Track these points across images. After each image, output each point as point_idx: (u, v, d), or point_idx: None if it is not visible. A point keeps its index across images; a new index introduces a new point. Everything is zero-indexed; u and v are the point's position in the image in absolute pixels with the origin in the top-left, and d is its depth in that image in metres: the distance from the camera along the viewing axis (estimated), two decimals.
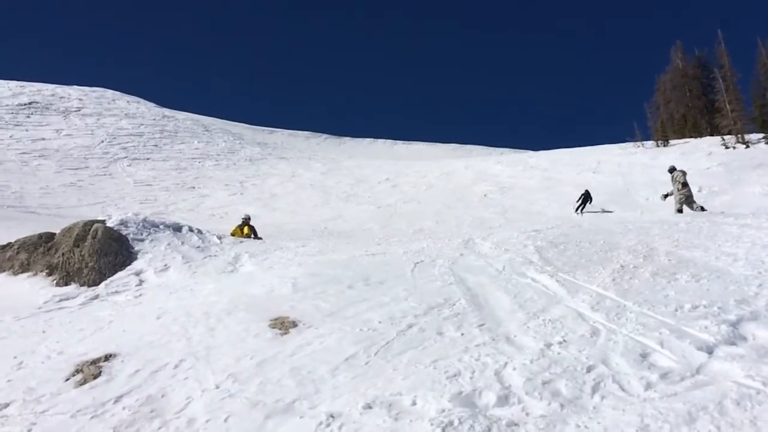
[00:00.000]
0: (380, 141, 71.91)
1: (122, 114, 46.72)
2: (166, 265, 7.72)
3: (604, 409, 3.04)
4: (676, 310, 4.25)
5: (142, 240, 8.32)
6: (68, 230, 8.24)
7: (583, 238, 7.48)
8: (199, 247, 8.51)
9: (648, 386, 3.21)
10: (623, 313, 4.39)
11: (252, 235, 15.48)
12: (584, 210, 18.32)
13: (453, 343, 4.14)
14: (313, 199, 29.52)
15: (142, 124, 44.83)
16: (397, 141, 72.98)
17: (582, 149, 34.11)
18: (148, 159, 37.16)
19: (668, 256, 6.02)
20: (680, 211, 14.25)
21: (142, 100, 54.00)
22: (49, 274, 7.71)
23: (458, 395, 3.32)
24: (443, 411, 3.17)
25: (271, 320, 4.85)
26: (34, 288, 7.38)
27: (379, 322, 4.64)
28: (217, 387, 3.76)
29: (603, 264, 6.03)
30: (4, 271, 8.13)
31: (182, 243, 8.48)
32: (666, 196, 14.88)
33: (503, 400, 3.26)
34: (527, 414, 3.10)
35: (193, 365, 4.11)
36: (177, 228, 8.88)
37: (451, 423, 3.03)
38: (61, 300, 6.84)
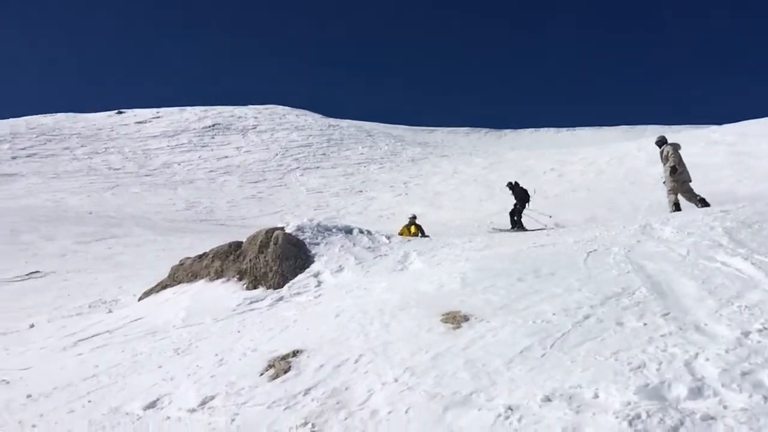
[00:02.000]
0: (542, 130, 69.78)
1: (292, 127, 49.79)
2: (340, 266, 8.11)
3: None
4: None
5: (318, 244, 8.80)
6: (253, 238, 8.94)
7: None
8: (369, 247, 8.84)
9: None
10: None
11: (419, 234, 15.79)
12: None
13: (635, 334, 3.93)
14: (476, 194, 29.41)
15: (311, 135, 47.47)
16: (561, 128, 70.37)
17: None
18: (317, 167, 39.25)
19: None
20: (677, 207, 10.97)
21: (309, 113, 57.19)
22: (240, 279, 8.41)
23: (644, 387, 3.15)
24: (629, 404, 3.03)
25: (443, 315, 4.92)
26: (227, 292, 8.09)
27: (553, 314, 4.53)
28: (396, 380, 3.89)
29: None
30: (202, 277, 9.00)
31: (354, 244, 8.86)
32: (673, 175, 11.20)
33: (696, 392, 3.04)
34: (725, 407, 2.86)
35: (372, 360, 4.29)
36: (348, 231, 9.30)
37: (638, 416, 2.88)
38: (251, 302, 7.45)
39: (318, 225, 9.22)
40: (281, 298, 7.36)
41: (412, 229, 16.53)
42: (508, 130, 69.02)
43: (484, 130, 68.18)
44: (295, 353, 4.66)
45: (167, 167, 38.43)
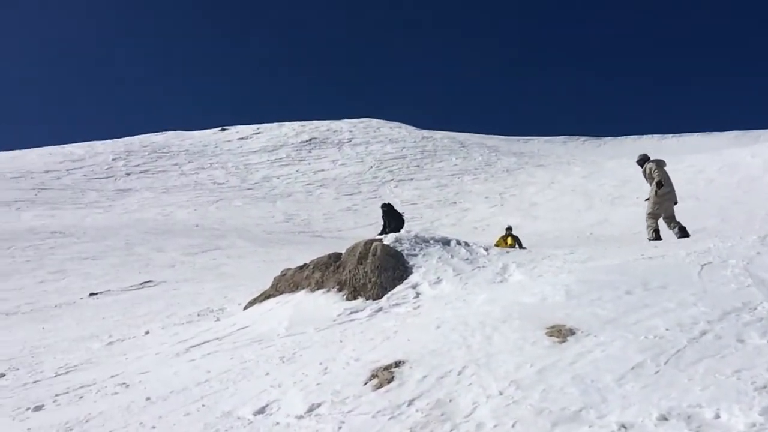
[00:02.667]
0: (646, 137, 66.81)
1: (386, 140, 50.38)
2: (438, 278, 8.10)
3: None
4: None
5: (415, 255, 8.84)
6: (352, 249, 9.10)
7: None
8: (467, 259, 8.78)
9: None
10: None
11: (516, 245, 15.53)
12: None
13: (758, 352, 3.69)
14: (575, 204, 28.62)
15: (404, 147, 47.84)
16: (666, 135, 67.12)
17: None
18: (411, 179, 39.48)
19: None
20: (656, 235, 10.04)
21: (403, 125, 57.67)
22: (340, 290, 8.58)
23: None
24: (753, 425, 2.85)
25: (547, 328, 4.81)
26: (328, 302, 8.27)
27: (666, 329, 4.32)
28: (501, 393, 3.84)
29: None
30: (303, 288, 9.25)
31: (452, 256, 8.83)
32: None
33: None
34: None
35: (476, 372, 4.25)
36: (446, 242, 9.28)
37: None
38: (351, 313, 7.57)
39: (416, 236, 9.26)
40: (381, 309, 7.43)
41: (509, 240, 16.29)
42: (608, 138, 66.61)
43: (582, 138, 66.18)
44: (397, 364, 4.70)
45: (267, 181, 39.85)
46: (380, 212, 15.08)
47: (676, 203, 10.30)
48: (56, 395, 6.01)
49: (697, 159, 32.69)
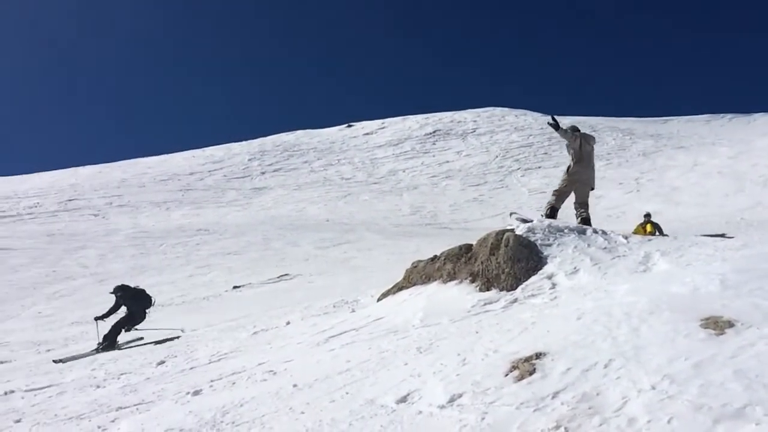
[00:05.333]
0: None
1: (512, 128, 49.43)
2: (575, 268, 7.82)
3: None
4: None
5: (550, 245, 8.59)
6: (483, 240, 9.01)
7: None
8: (605, 248, 8.41)
9: None
10: None
11: (656, 233, 14.68)
12: None
13: None
14: (721, 187, 26.61)
15: (531, 135, 46.70)
16: None
17: None
18: (539, 168, 38.48)
19: None
20: (552, 212, 9.29)
21: (528, 112, 56.28)
22: (472, 281, 8.52)
23: None
24: None
25: (702, 320, 4.50)
26: (461, 294, 8.24)
27: None
28: (653, 388, 3.64)
29: None
30: (435, 279, 9.29)
31: (588, 245, 8.50)
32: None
33: None
34: None
35: (624, 365, 4.06)
36: (581, 231, 8.94)
37: None
38: (485, 304, 7.50)
39: (549, 226, 8.99)
40: (515, 300, 7.30)
41: (648, 227, 15.45)
42: (758, 114, 61.12)
43: (728, 115, 61.20)
44: (538, 355, 4.59)
45: (393, 174, 40.43)
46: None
47: (592, 189, 9.59)
48: (211, 381, 6.45)
49: None
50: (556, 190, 9.83)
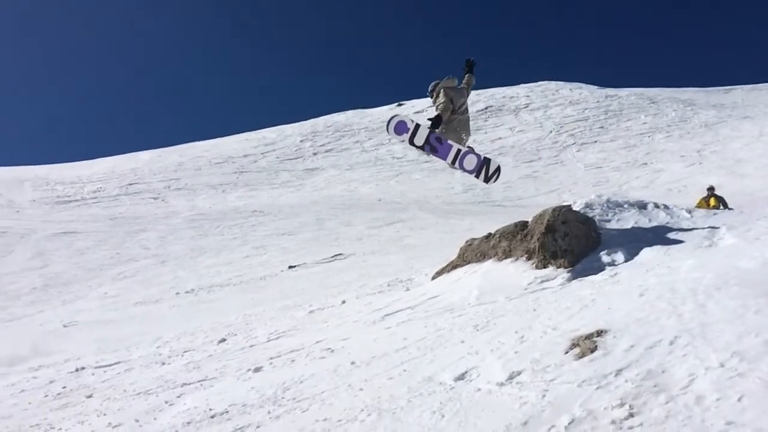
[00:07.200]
0: None
1: (566, 102, 48.23)
2: (636, 244, 7.63)
3: None
4: None
5: (608, 221, 8.40)
6: (539, 217, 8.85)
7: None
8: (667, 222, 8.16)
9: None
10: None
11: (720, 207, 14.17)
12: None
13: None
14: None
15: (586, 109, 45.51)
16: None
17: None
18: (595, 142, 37.55)
19: None
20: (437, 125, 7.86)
21: (583, 85, 54.73)
22: (528, 259, 8.40)
23: None
24: None
25: None
26: (517, 271, 8.14)
27: None
28: (722, 365, 3.52)
29: None
30: (490, 257, 9.19)
31: (649, 220, 8.27)
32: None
33: None
34: None
35: (690, 342, 3.94)
36: (642, 206, 8.70)
37: None
38: (542, 281, 7.39)
39: (608, 201, 8.78)
40: (574, 278, 7.17)
41: (712, 201, 14.92)
42: None
43: None
44: (599, 333, 4.50)
45: None
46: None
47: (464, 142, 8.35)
48: (271, 358, 6.57)
49: None
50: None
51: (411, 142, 8.17)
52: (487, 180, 7.89)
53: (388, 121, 8.29)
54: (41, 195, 28.39)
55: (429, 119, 8.19)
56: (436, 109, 8.29)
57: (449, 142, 8.09)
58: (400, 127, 8.22)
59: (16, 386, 7.19)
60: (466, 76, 8.53)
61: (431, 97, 8.43)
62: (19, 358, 8.71)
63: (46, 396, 6.57)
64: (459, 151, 7.96)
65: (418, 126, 8.07)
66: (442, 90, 8.26)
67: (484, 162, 7.96)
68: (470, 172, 8.09)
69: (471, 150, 8.14)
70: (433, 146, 8.02)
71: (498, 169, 7.90)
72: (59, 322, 11.87)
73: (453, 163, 8.08)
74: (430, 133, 8.00)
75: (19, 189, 29.05)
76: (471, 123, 9.03)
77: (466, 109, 8.36)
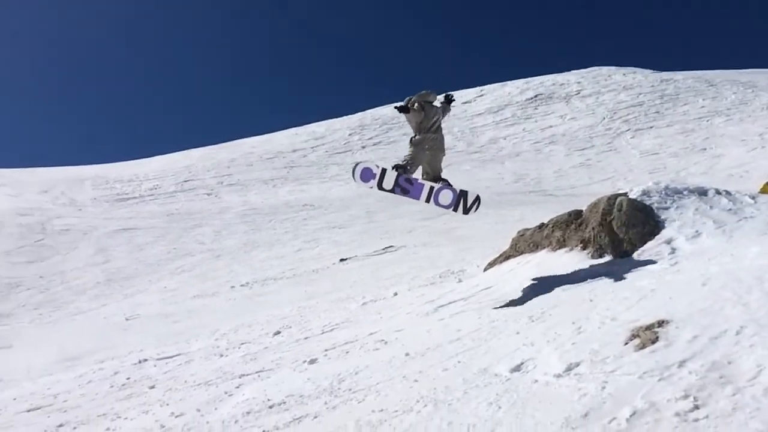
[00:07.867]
0: None
1: (620, 88, 47.01)
2: (697, 231, 7.40)
3: None
4: None
5: (667, 208, 8.16)
6: (594, 206, 8.68)
7: None
8: (730, 209, 7.88)
9: None
10: None
11: None
12: None
13: None
14: None
15: (641, 93, 44.27)
16: None
17: None
18: (651, 127, 36.53)
19: None
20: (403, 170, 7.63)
21: (638, 69, 53.19)
22: (583, 248, 8.26)
23: None
24: None
25: None
26: (572, 261, 8.01)
27: None
28: None
29: None
30: (543, 247, 9.07)
31: (710, 207, 8.00)
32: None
33: None
34: None
35: (757, 332, 3.80)
36: (702, 192, 8.42)
37: None
38: (598, 271, 7.25)
39: (666, 188, 8.52)
40: (631, 267, 7.01)
41: None
42: None
43: None
44: (660, 323, 4.38)
45: (493, 143, 39.63)
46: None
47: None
48: (325, 350, 6.65)
49: None
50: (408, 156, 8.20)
51: (380, 186, 7.96)
52: (466, 212, 7.66)
53: (353, 169, 8.10)
54: (101, 193, 29.34)
55: (393, 166, 7.92)
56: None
57: (420, 181, 7.88)
58: (366, 174, 8.04)
59: (83, 377, 7.49)
60: (443, 104, 8.29)
61: (404, 112, 7.99)
62: (85, 351, 9.07)
63: (112, 387, 6.82)
64: (432, 188, 7.76)
65: (384, 171, 7.88)
66: (417, 104, 7.86)
67: (461, 195, 7.62)
68: (447, 207, 7.77)
69: (445, 185, 7.83)
70: (404, 188, 7.78)
71: (477, 199, 7.61)
72: (122, 315, 12.29)
73: (427, 201, 7.84)
74: (398, 176, 7.81)
75: (80, 188, 30.09)
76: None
77: (439, 127, 8.01)
